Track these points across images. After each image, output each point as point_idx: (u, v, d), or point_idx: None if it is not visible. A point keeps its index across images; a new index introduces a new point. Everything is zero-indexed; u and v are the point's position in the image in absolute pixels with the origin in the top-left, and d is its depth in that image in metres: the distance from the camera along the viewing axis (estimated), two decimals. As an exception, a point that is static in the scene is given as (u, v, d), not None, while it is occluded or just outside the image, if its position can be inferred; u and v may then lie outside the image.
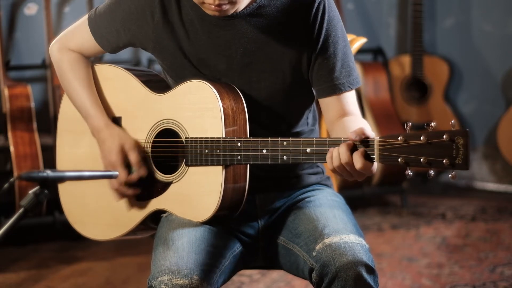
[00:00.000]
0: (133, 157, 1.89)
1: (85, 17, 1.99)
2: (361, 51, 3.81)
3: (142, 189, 1.91)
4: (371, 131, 1.68)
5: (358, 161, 1.63)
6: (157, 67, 2.06)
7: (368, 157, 1.64)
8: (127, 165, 1.90)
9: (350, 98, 1.89)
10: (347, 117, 1.86)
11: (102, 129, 1.93)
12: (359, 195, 4.12)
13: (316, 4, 1.83)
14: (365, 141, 1.64)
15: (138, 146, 1.91)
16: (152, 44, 1.91)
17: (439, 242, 3.59)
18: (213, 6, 1.73)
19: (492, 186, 4.58)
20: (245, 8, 1.81)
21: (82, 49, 2.00)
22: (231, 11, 1.76)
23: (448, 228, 3.80)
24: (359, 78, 1.91)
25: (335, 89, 1.87)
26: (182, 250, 1.77)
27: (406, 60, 4.47)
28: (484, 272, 3.18)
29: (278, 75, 1.86)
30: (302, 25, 1.84)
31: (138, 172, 1.88)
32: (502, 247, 3.50)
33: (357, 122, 1.82)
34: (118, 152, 1.89)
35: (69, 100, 2.04)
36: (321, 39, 1.84)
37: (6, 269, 3.37)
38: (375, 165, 1.66)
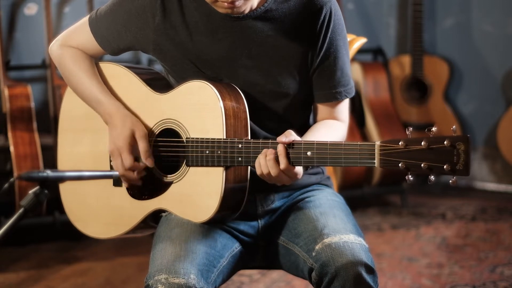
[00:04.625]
0: (142, 146, 1.87)
1: (86, 18, 1.99)
2: (361, 51, 3.83)
3: (142, 188, 1.91)
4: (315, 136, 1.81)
5: (282, 162, 1.70)
6: (158, 66, 2.06)
7: (289, 160, 1.70)
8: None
9: (344, 106, 1.95)
10: (326, 120, 1.93)
11: (114, 114, 1.91)
12: (359, 195, 4.13)
13: (323, 13, 1.84)
14: (293, 145, 1.70)
15: (148, 135, 1.90)
16: (152, 46, 1.91)
17: (439, 242, 3.59)
18: (226, 4, 1.74)
19: (492, 186, 4.58)
20: (252, 10, 1.81)
21: (83, 49, 2.00)
22: (243, 8, 1.77)
23: (448, 228, 3.80)
24: (354, 88, 1.95)
25: (332, 97, 1.91)
26: (180, 249, 1.77)
27: (406, 60, 4.47)
28: (484, 272, 3.18)
29: (281, 78, 1.87)
30: (309, 32, 1.85)
31: (146, 161, 1.87)
32: (502, 247, 3.51)
33: (327, 126, 1.90)
34: (127, 137, 1.87)
35: (70, 98, 2.04)
36: (325, 47, 1.86)
37: (6, 269, 3.37)
38: (299, 170, 1.73)
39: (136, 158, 1.88)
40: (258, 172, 1.74)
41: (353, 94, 1.94)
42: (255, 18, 1.84)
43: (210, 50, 1.86)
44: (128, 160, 1.86)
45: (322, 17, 1.84)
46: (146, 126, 1.91)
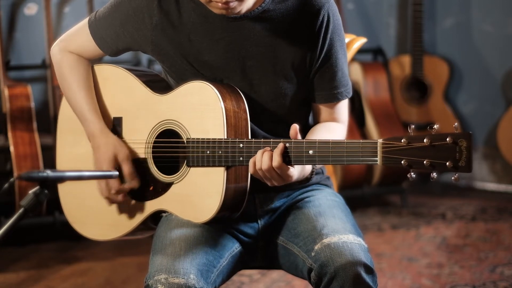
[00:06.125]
0: (126, 168, 1.89)
1: (86, 20, 2.00)
2: (361, 51, 3.82)
3: (142, 190, 1.91)
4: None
5: (275, 159, 1.70)
6: (157, 67, 2.06)
7: (285, 160, 1.71)
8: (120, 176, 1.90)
9: (343, 106, 1.96)
10: (325, 122, 1.94)
11: (97, 135, 1.93)
12: (359, 195, 4.13)
13: (322, 14, 1.84)
14: (295, 144, 1.71)
15: (131, 157, 1.91)
16: (150, 47, 1.91)
17: (439, 242, 3.60)
18: (220, 4, 1.74)
19: (492, 186, 4.58)
20: (250, 11, 1.81)
21: (83, 52, 2.01)
22: (238, 9, 1.77)
23: (448, 228, 3.80)
24: (352, 87, 1.97)
25: (333, 98, 1.92)
26: (180, 249, 1.77)
27: (406, 60, 4.47)
28: (484, 272, 3.18)
29: (279, 79, 1.87)
30: (307, 33, 1.85)
31: (130, 183, 1.90)
32: (502, 247, 3.51)
33: (327, 129, 1.90)
34: (110, 161, 1.90)
35: (69, 100, 2.04)
36: (325, 49, 1.86)
37: (6, 269, 3.37)
38: (292, 171, 1.73)
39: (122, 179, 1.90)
40: (250, 169, 1.74)
41: (351, 94, 1.95)
42: (252, 19, 1.84)
43: (208, 50, 1.86)
44: (115, 184, 1.88)
45: (321, 18, 1.84)
46: (146, 127, 1.91)
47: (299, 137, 1.73)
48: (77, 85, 1.98)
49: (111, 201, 1.92)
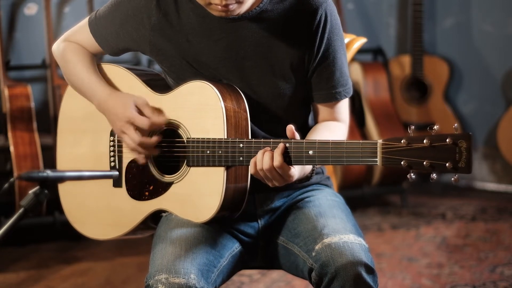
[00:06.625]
0: (148, 110, 1.86)
1: (86, 19, 2.01)
2: (361, 51, 3.82)
3: (143, 189, 1.91)
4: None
5: (276, 159, 1.69)
6: (158, 67, 2.06)
7: (286, 159, 1.70)
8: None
9: (343, 106, 1.95)
10: (326, 122, 1.93)
11: (110, 96, 1.91)
12: (359, 195, 4.13)
13: (319, 13, 1.84)
14: (295, 144, 1.71)
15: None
16: (149, 47, 1.91)
17: (439, 242, 3.60)
18: (220, 7, 1.74)
19: (492, 186, 4.58)
20: (247, 11, 1.81)
21: (84, 47, 2.01)
22: (238, 11, 1.77)
23: (448, 228, 3.80)
24: (352, 87, 1.95)
25: (332, 98, 1.91)
26: (180, 249, 1.77)
27: (406, 60, 4.47)
28: (484, 272, 3.18)
29: (278, 79, 1.87)
30: (305, 33, 1.85)
31: (158, 119, 1.85)
32: (502, 247, 3.51)
33: (328, 129, 1.90)
34: (133, 106, 1.86)
35: (69, 99, 2.04)
36: (322, 48, 1.86)
37: (6, 269, 3.37)
38: (293, 171, 1.72)
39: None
40: (251, 169, 1.74)
41: (351, 93, 1.95)
42: (250, 19, 1.84)
43: (206, 51, 1.86)
44: (145, 122, 1.84)
45: (318, 18, 1.84)
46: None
47: (297, 136, 1.73)
48: (82, 64, 1.97)
49: (146, 145, 1.85)
